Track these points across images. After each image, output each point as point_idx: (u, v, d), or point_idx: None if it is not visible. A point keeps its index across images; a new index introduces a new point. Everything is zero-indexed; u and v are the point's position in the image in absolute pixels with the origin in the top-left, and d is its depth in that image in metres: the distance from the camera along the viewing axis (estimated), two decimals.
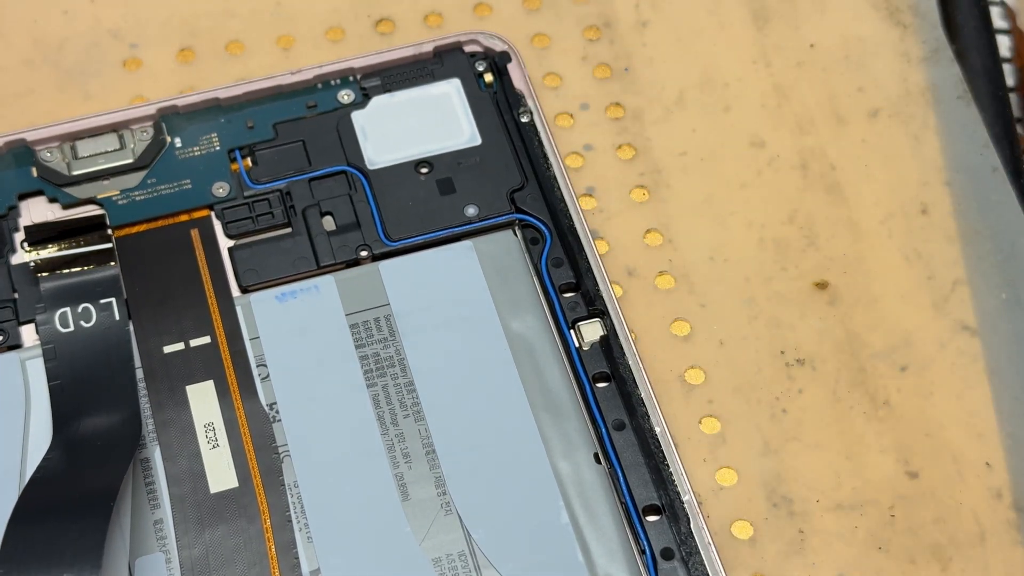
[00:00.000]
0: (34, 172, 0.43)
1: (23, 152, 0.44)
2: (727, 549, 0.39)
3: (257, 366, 0.40)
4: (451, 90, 0.45)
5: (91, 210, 0.43)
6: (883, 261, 0.44)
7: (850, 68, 0.47)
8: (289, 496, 0.38)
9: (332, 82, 0.45)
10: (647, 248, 0.44)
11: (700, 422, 0.41)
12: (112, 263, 0.41)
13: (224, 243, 0.42)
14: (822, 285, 0.43)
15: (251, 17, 0.48)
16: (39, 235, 0.42)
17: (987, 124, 0.46)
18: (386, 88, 0.45)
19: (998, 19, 0.50)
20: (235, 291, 0.42)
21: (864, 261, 0.44)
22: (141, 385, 0.40)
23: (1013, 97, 0.48)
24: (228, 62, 0.47)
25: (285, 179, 0.43)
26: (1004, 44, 0.50)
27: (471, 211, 0.43)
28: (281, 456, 0.39)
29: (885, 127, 0.46)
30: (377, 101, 0.45)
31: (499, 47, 0.46)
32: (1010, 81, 0.49)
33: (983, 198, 0.45)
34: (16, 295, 0.41)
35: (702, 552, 0.38)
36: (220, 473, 0.39)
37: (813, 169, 0.45)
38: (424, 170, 0.44)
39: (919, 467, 0.41)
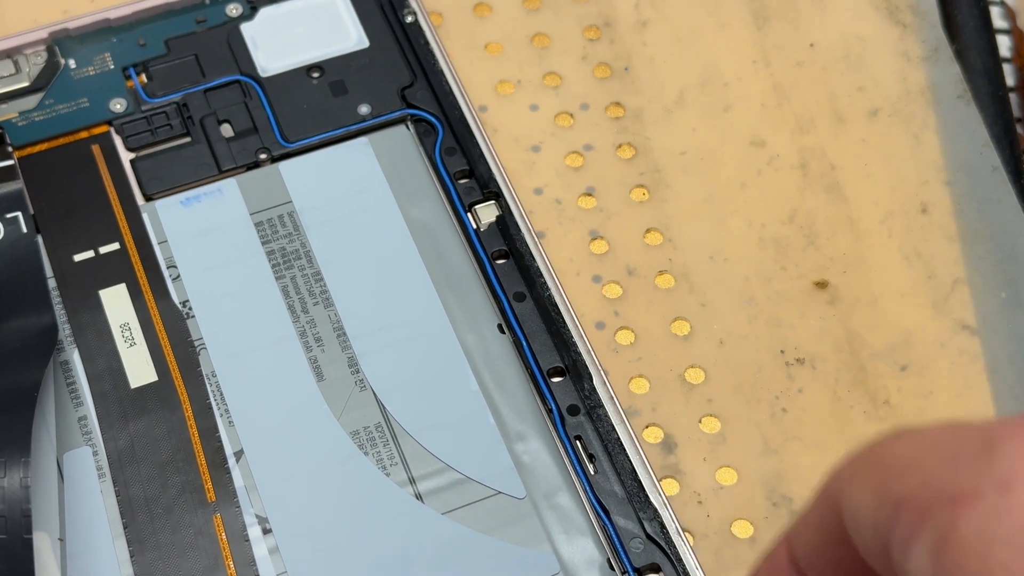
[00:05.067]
0: None
1: None
2: (727, 548, 0.39)
3: (168, 267, 0.42)
4: None
5: None
6: (883, 261, 0.44)
7: (850, 68, 0.47)
8: (208, 385, 0.40)
9: None
10: (647, 248, 0.44)
11: (700, 421, 0.41)
12: (15, 179, 0.42)
13: (126, 156, 0.44)
14: (822, 284, 0.43)
15: None
16: None
17: (987, 124, 0.46)
18: None
19: (998, 19, 0.50)
20: (140, 200, 0.43)
21: (864, 261, 0.44)
22: (55, 293, 0.41)
23: (1013, 97, 0.48)
24: None
25: (180, 92, 0.45)
26: (1004, 44, 0.50)
27: (364, 109, 0.45)
28: (197, 349, 0.41)
29: (885, 127, 0.46)
30: (265, 12, 0.46)
31: None
32: (1010, 81, 0.49)
33: (983, 198, 0.45)
34: None
35: (605, 405, 0.39)
36: (139, 368, 0.40)
37: (813, 169, 0.45)
38: (316, 75, 0.45)
39: None
